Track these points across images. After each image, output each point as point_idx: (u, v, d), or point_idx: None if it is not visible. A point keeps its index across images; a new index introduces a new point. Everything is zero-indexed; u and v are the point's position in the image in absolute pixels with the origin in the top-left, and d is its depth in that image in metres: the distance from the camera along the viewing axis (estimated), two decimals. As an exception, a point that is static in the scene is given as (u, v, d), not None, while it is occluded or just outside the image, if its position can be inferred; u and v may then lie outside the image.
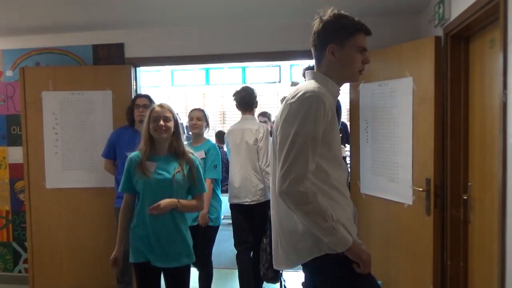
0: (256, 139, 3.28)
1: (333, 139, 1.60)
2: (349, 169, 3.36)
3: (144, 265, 2.30)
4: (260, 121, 3.92)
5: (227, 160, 3.57)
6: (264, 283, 3.40)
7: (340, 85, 1.70)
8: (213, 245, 3.31)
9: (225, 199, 3.40)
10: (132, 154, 2.35)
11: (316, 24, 1.66)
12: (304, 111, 1.50)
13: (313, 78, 1.66)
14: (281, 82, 9.78)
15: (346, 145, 3.93)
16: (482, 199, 2.33)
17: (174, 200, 2.26)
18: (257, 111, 4.44)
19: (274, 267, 1.79)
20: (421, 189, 2.64)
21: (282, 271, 3.20)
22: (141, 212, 2.27)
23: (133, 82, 3.69)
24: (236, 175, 3.32)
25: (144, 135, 2.34)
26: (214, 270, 3.34)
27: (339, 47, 1.61)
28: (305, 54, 3.39)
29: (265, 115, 5.13)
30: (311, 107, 1.50)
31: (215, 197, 3.24)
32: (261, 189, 3.26)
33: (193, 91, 10.36)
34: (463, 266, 2.55)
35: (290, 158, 1.48)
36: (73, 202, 3.62)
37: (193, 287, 2.72)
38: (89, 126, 3.62)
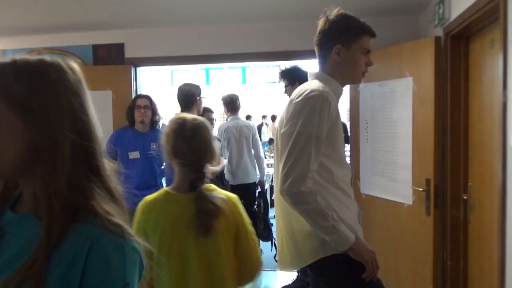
0: (252, 134, 4.23)
1: (336, 139, 1.60)
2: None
3: None
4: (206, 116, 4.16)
5: None
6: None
7: (343, 86, 1.70)
8: None
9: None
10: None
11: (321, 24, 1.65)
12: (309, 110, 1.50)
13: (317, 78, 1.66)
14: (281, 82, 9.76)
15: (346, 145, 3.94)
16: (482, 199, 2.33)
17: None
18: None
19: (280, 268, 1.79)
20: (421, 189, 2.64)
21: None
22: None
23: (133, 82, 3.69)
24: (237, 163, 4.13)
25: None
26: None
27: (345, 48, 1.61)
28: (305, 54, 3.40)
29: (210, 110, 5.20)
30: (316, 106, 1.50)
31: None
32: (254, 172, 4.23)
33: (193, 91, 10.33)
34: (463, 266, 2.55)
35: (292, 157, 1.48)
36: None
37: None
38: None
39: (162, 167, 3.28)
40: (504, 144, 1.81)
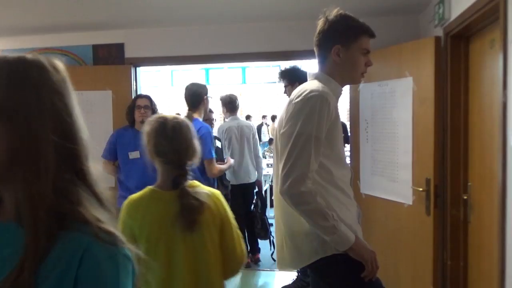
0: (253, 134, 4.32)
1: (336, 139, 1.60)
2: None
3: None
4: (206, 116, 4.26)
5: None
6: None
7: (343, 86, 1.70)
8: None
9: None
10: None
11: (321, 24, 1.65)
12: (308, 110, 1.50)
13: (316, 78, 1.65)
14: (280, 82, 9.76)
15: (346, 145, 3.95)
16: (482, 199, 2.33)
17: None
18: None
19: (279, 268, 1.79)
20: (421, 189, 2.64)
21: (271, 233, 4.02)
22: None
23: (133, 82, 3.69)
24: (238, 162, 4.16)
25: None
26: None
27: (344, 48, 1.61)
28: (305, 54, 3.40)
29: (210, 110, 5.22)
30: (315, 107, 1.50)
31: None
32: (255, 172, 4.32)
33: (193, 91, 10.33)
34: (463, 266, 2.55)
35: (292, 158, 1.48)
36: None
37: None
38: (89, 126, 3.59)
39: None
40: (504, 144, 1.81)
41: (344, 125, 5.04)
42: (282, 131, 1.58)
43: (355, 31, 1.61)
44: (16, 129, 0.68)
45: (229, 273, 1.62)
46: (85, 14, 3.21)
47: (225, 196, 3.58)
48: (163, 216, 1.50)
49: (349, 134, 3.65)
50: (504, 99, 1.79)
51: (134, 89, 3.70)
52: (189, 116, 3.13)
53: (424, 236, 2.65)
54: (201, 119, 3.24)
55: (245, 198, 4.29)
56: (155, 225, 1.49)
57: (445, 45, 2.58)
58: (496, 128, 1.94)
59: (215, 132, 4.17)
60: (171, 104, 12.12)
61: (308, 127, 1.49)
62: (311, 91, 1.53)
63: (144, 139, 1.59)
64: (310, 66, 3.83)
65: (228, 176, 3.89)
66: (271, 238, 4.19)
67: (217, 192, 1.63)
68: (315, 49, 1.69)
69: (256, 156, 4.34)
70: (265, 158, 6.75)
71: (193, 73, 8.26)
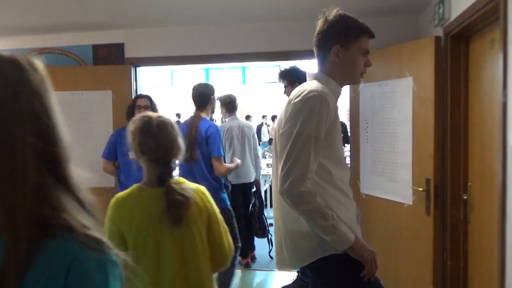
0: (252, 134, 4.38)
1: (335, 140, 1.60)
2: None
3: None
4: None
5: None
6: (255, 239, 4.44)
7: (342, 86, 1.70)
8: None
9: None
10: None
11: (320, 24, 1.65)
12: (307, 111, 1.50)
13: (315, 78, 1.65)
14: (280, 82, 9.76)
15: (346, 145, 3.95)
16: (482, 199, 2.33)
17: None
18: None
19: (278, 268, 1.79)
20: (421, 189, 2.64)
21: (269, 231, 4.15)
22: None
23: (133, 82, 3.69)
24: (241, 161, 4.09)
25: None
26: None
27: (343, 48, 1.61)
28: (305, 54, 3.40)
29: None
30: (315, 107, 1.50)
31: None
32: (254, 171, 4.38)
33: (193, 91, 10.34)
34: (463, 266, 2.56)
35: (291, 158, 1.48)
36: (73, 202, 3.62)
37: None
38: (89, 126, 3.62)
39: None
40: (504, 144, 1.81)
41: (344, 125, 5.05)
42: (281, 131, 1.58)
43: (355, 31, 1.61)
44: None
45: (217, 266, 1.66)
46: (85, 14, 3.21)
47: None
48: (150, 213, 1.52)
49: (349, 134, 3.65)
50: (504, 99, 1.79)
51: (134, 89, 3.70)
52: (196, 116, 3.15)
53: (424, 236, 2.65)
54: (208, 118, 3.25)
55: (245, 197, 4.36)
56: (143, 221, 1.51)
57: (445, 45, 2.58)
58: (496, 128, 1.94)
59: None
60: (171, 104, 12.11)
61: (307, 127, 1.49)
62: (310, 91, 1.53)
63: (129, 137, 1.60)
64: (310, 66, 3.83)
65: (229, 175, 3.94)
66: (269, 237, 4.26)
67: (202, 187, 1.66)
68: (314, 49, 1.69)
69: (256, 156, 4.40)
70: (265, 158, 6.76)
71: (193, 73, 8.27)
